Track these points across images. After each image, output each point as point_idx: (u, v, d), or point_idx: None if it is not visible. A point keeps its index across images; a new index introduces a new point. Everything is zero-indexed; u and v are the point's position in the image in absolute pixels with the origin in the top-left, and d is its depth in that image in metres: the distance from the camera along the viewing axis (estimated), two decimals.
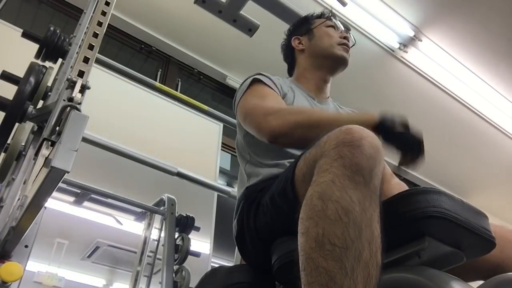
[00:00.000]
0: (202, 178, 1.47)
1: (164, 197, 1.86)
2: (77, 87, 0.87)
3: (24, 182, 0.98)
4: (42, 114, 0.98)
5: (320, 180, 0.60)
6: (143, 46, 2.92)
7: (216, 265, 1.75)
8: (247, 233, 0.88)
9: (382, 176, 0.63)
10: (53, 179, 0.71)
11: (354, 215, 0.56)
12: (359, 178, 0.58)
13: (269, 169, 1.01)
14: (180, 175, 1.43)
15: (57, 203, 1.76)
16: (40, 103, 1.16)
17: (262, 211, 0.86)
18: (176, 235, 1.78)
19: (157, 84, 1.70)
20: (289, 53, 1.38)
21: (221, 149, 2.62)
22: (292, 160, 0.84)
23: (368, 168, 0.59)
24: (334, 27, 1.30)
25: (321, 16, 1.35)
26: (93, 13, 1.17)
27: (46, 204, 0.82)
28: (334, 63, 1.31)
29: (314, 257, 0.55)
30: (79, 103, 0.84)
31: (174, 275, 1.65)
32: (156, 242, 1.81)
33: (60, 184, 0.75)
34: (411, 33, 2.80)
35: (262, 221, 0.84)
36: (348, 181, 0.58)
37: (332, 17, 1.31)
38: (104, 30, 1.06)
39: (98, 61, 1.46)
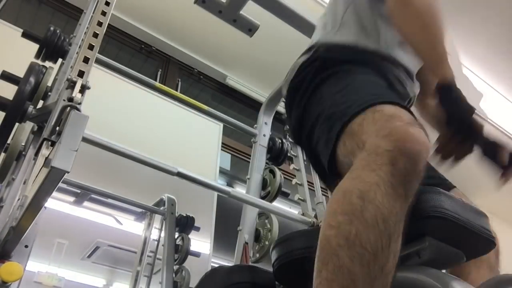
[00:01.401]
0: (202, 178, 1.46)
1: (164, 197, 1.86)
2: (77, 87, 0.87)
3: (24, 182, 0.98)
4: (42, 114, 0.98)
5: (364, 178, 0.58)
6: (143, 46, 2.92)
7: (216, 265, 1.75)
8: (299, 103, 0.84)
9: None
10: (53, 179, 0.71)
11: (390, 225, 0.55)
12: (402, 191, 0.57)
13: (368, 39, 0.88)
14: (180, 175, 1.42)
15: (57, 203, 1.76)
16: (40, 103, 1.16)
17: (315, 101, 0.81)
18: (176, 235, 1.78)
19: (157, 84, 1.70)
20: None
21: (221, 149, 2.62)
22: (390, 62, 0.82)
23: (413, 184, 0.58)
24: None
25: None
26: (93, 13, 1.17)
27: (46, 204, 0.82)
28: None
29: (340, 256, 0.54)
30: (79, 103, 0.84)
31: (174, 275, 1.65)
32: (156, 242, 1.81)
33: (60, 184, 0.75)
34: None
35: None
36: (392, 190, 0.57)
37: None
38: (104, 30, 1.06)
39: (98, 61, 1.46)
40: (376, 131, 0.62)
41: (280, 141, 1.81)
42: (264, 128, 1.82)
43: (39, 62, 1.23)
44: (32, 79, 1.03)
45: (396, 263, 0.56)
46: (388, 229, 0.55)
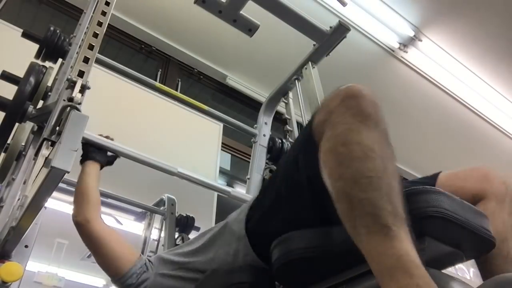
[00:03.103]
0: (202, 178, 1.46)
1: (164, 197, 1.86)
2: (77, 87, 0.87)
3: (24, 182, 0.99)
4: (42, 114, 0.98)
5: (336, 132, 0.65)
6: (143, 46, 2.92)
7: None
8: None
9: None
10: (53, 179, 0.71)
11: (378, 151, 0.62)
12: (370, 123, 0.64)
13: None
14: (180, 175, 1.42)
15: (57, 203, 1.76)
16: (40, 103, 1.16)
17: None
18: (176, 235, 1.78)
19: (157, 84, 1.69)
20: None
21: (221, 149, 2.62)
22: None
23: (373, 113, 0.64)
24: None
25: None
26: (93, 13, 1.17)
27: (46, 204, 0.82)
28: None
29: (353, 194, 0.60)
30: (79, 103, 0.84)
31: None
32: (156, 242, 1.81)
33: (60, 184, 0.75)
34: (411, 33, 2.80)
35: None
36: (362, 125, 0.63)
37: None
38: (104, 30, 1.06)
39: (98, 61, 1.46)
40: (325, 109, 0.70)
41: (280, 141, 1.81)
42: (264, 128, 1.82)
43: (39, 62, 1.23)
44: (32, 79, 1.03)
45: (400, 181, 0.62)
46: (379, 154, 0.62)
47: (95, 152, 1.24)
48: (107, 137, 1.33)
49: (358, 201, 0.60)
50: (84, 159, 1.23)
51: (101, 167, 1.27)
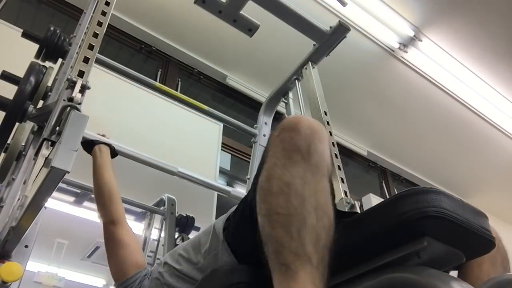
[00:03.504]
0: (202, 178, 1.47)
1: (164, 197, 1.86)
2: (77, 87, 0.87)
3: (24, 182, 0.98)
4: (42, 113, 0.98)
5: (266, 166, 0.67)
6: (143, 46, 2.92)
7: None
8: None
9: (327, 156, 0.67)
10: (53, 179, 0.71)
11: (296, 186, 0.62)
12: (297, 156, 0.64)
13: None
14: (180, 174, 1.43)
15: (57, 203, 1.76)
16: (40, 103, 1.16)
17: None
18: (176, 235, 1.78)
19: (157, 84, 1.69)
20: None
21: (221, 149, 2.62)
22: None
23: (305, 146, 0.65)
24: None
25: None
26: (93, 13, 1.17)
27: (46, 204, 0.82)
28: None
29: (266, 230, 0.61)
30: (79, 103, 0.84)
31: None
32: (156, 242, 1.81)
33: (60, 184, 0.75)
34: (411, 33, 2.80)
35: None
36: (287, 160, 0.64)
37: None
38: (104, 30, 1.06)
39: (98, 61, 1.46)
40: (273, 133, 0.72)
41: None
42: (264, 128, 1.82)
43: (39, 62, 1.23)
44: (32, 79, 1.03)
45: (326, 215, 0.61)
46: (295, 190, 0.61)
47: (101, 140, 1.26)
48: (102, 135, 1.35)
49: (267, 237, 0.60)
50: (91, 147, 1.24)
51: (110, 154, 1.28)
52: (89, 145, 1.25)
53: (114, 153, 1.31)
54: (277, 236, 0.59)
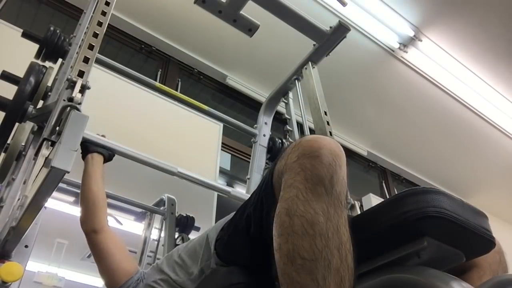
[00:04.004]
0: (202, 178, 1.46)
1: (164, 197, 1.86)
2: (77, 87, 0.87)
3: (24, 182, 0.98)
4: (42, 114, 0.98)
5: (286, 196, 0.62)
6: (143, 46, 2.92)
7: None
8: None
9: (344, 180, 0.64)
10: (53, 179, 0.71)
11: (320, 226, 0.58)
12: (321, 189, 0.60)
13: None
14: (180, 175, 1.42)
15: (57, 203, 1.76)
16: (40, 103, 1.16)
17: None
18: (176, 235, 1.78)
19: (157, 84, 1.69)
20: None
21: (221, 149, 2.62)
22: None
23: (328, 177, 0.61)
24: None
25: None
26: (93, 13, 1.17)
27: (46, 204, 0.82)
28: None
29: (288, 272, 0.58)
30: (79, 103, 0.84)
31: None
32: (156, 242, 1.81)
33: (60, 184, 0.75)
34: (411, 33, 2.80)
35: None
36: (311, 194, 0.60)
37: None
38: (104, 30, 1.06)
39: (98, 61, 1.46)
40: (283, 160, 0.67)
41: (280, 141, 1.81)
42: (264, 128, 1.82)
43: (39, 62, 1.23)
44: (32, 79, 1.03)
45: (349, 253, 0.59)
46: (319, 230, 0.58)
47: (97, 146, 1.25)
48: (103, 136, 1.34)
49: (290, 282, 0.57)
50: (85, 154, 1.24)
51: (104, 161, 1.27)
52: (83, 150, 1.24)
53: (110, 156, 1.31)
54: (303, 282, 0.56)
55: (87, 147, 1.24)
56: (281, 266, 0.59)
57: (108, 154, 1.29)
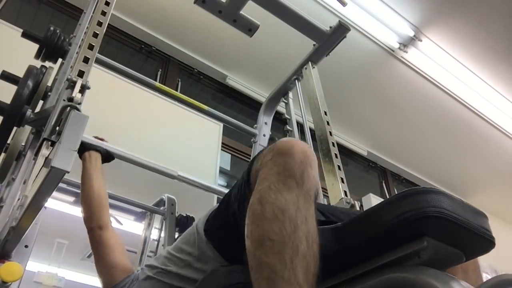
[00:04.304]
0: (202, 181, 1.47)
1: (164, 197, 1.86)
2: (77, 87, 0.87)
3: (24, 182, 0.99)
4: (40, 118, 0.98)
5: (259, 188, 0.67)
6: (143, 46, 2.92)
7: None
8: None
9: (316, 186, 0.68)
10: (53, 179, 0.71)
11: (289, 213, 0.62)
12: (292, 182, 0.64)
13: None
14: (180, 178, 1.43)
15: (57, 203, 1.76)
16: (40, 103, 1.16)
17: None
18: (176, 235, 1.78)
19: (157, 84, 1.69)
20: None
21: (221, 149, 2.62)
22: None
23: (299, 172, 0.65)
24: None
25: None
26: (93, 13, 1.17)
27: (46, 204, 0.82)
28: None
29: (257, 256, 0.61)
30: (79, 103, 0.84)
31: None
32: (156, 242, 1.81)
33: (60, 184, 0.75)
34: (411, 33, 2.80)
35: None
36: (282, 185, 0.64)
37: None
38: (104, 30, 1.06)
39: (98, 61, 1.46)
40: (260, 160, 0.72)
41: None
42: (264, 128, 1.82)
43: (39, 61, 1.23)
44: (30, 83, 1.03)
45: (316, 243, 0.62)
46: (289, 217, 0.61)
47: (94, 144, 1.26)
48: (101, 139, 1.34)
49: (259, 263, 0.60)
50: (82, 152, 1.24)
51: (102, 160, 1.27)
52: (80, 149, 1.24)
53: (109, 157, 1.31)
54: (271, 263, 0.58)
55: (84, 145, 1.24)
56: (251, 251, 0.62)
57: (106, 152, 1.29)
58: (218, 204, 0.89)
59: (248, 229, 0.64)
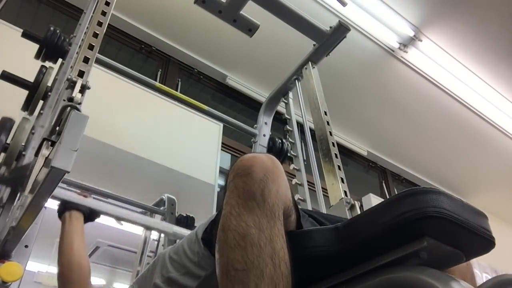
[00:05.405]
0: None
1: (164, 197, 1.86)
2: (77, 87, 0.87)
3: None
4: (16, 176, 0.94)
5: (223, 212, 0.66)
6: (143, 46, 2.92)
7: None
8: None
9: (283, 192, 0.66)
10: (53, 179, 0.71)
11: (251, 237, 0.61)
12: (252, 203, 0.63)
13: None
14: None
15: (57, 203, 1.76)
16: (40, 103, 1.16)
17: None
18: None
19: (157, 84, 1.69)
20: None
21: (221, 149, 2.62)
22: None
23: (259, 192, 0.64)
24: None
25: None
26: (93, 13, 1.17)
27: (46, 204, 0.82)
28: None
29: (223, 285, 0.61)
30: (79, 103, 0.84)
31: None
32: (156, 242, 1.81)
33: (60, 184, 0.75)
34: (411, 33, 2.80)
35: None
36: (242, 208, 0.63)
37: None
38: (104, 30, 1.06)
39: (98, 61, 1.46)
40: (229, 174, 0.70)
41: (280, 141, 1.81)
42: (264, 128, 1.82)
43: (40, 61, 1.23)
44: (3, 137, 0.98)
45: (283, 261, 0.61)
46: (251, 241, 0.61)
47: (75, 203, 1.16)
48: (85, 195, 1.23)
49: None
50: (62, 212, 1.14)
51: (85, 220, 1.18)
52: (60, 209, 1.15)
53: (92, 216, 1.20)
54: None
55: (64, 204, 1.14)
56: (219, 279, 0.62)
57: (89, 211, 1.18)
58: (216, 213, 0.88)
59: (216, 258, 0.64)
